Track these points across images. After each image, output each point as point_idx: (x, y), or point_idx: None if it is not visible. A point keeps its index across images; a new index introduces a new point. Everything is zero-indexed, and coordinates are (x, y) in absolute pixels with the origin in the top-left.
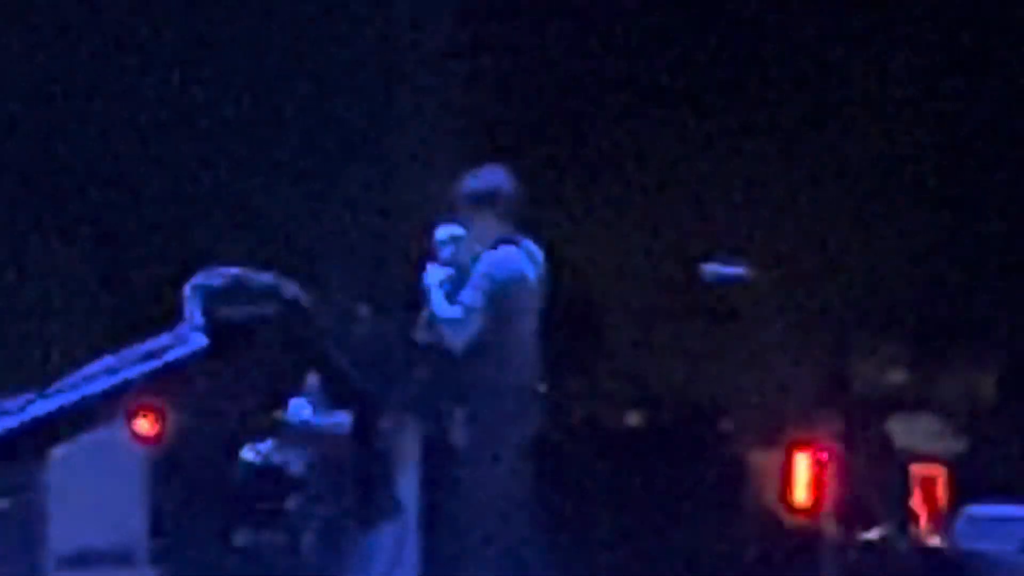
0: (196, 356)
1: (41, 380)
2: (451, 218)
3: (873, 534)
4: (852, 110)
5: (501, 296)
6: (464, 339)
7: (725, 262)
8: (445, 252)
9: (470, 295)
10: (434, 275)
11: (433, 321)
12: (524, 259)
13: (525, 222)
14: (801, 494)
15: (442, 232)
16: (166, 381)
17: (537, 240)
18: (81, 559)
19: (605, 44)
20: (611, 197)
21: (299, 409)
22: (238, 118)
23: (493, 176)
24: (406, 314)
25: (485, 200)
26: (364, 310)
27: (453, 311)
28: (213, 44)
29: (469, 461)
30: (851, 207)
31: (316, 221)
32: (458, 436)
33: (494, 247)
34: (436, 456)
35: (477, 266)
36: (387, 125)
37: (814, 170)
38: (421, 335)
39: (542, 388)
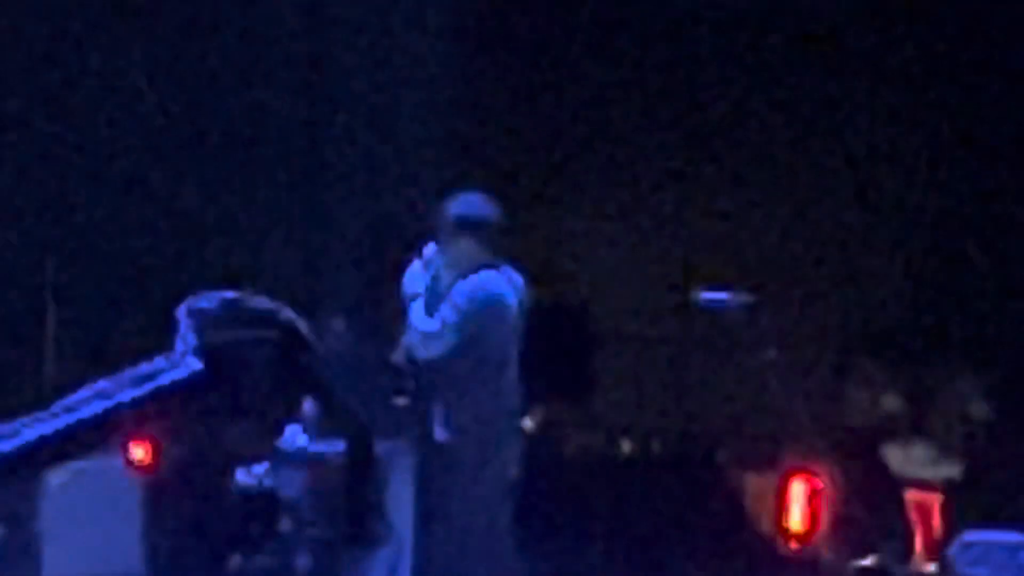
0: (191, 380)
1: (34, 404)
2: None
3: (869, 561)
4: (846, 136)
5: (480, 319)
6: (435, 353)
7: (719, 289)
8: (429, 269)
9: (449, 312)
10: (415, 284)
11: (409, 330)
12: (505, 284)
13: (508, 248)
14: (797, 521)
15: (430, 251)
16: (160, 405)
17: (528, 266)
18: None
19: (598, 68)
20: (604, 223)
21: (294, 435)
22: (232, 138)
23: (477, 203)
24: (385, 334)
25: (469, 226)
26: (339, 323)
27: (431, 323)
28: (202, 55)
29: (451, 488)
30: (846, 233)
31: (300, 240)
32: (442, 462)
33: (475, 272)
34: (429, 480)
35: (458, 287)
36: (372, 145)
37: (808, 196)
38: (399, 358)
39: (528, 420)
